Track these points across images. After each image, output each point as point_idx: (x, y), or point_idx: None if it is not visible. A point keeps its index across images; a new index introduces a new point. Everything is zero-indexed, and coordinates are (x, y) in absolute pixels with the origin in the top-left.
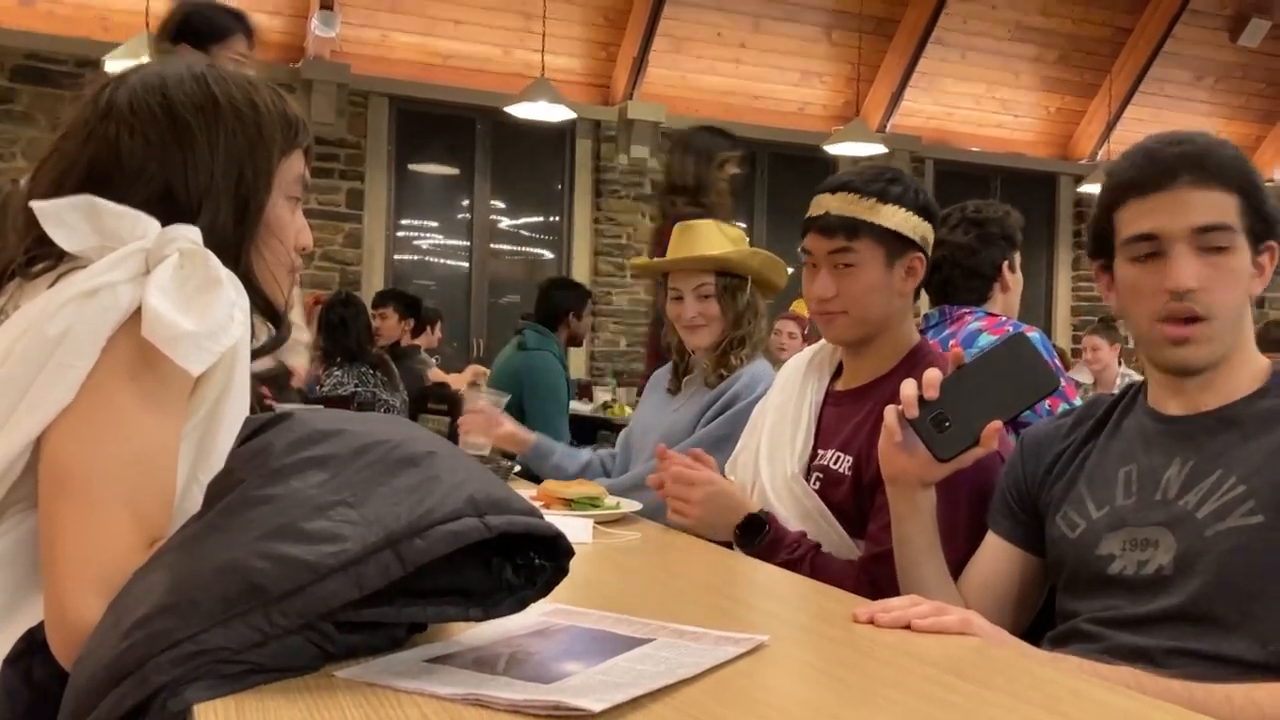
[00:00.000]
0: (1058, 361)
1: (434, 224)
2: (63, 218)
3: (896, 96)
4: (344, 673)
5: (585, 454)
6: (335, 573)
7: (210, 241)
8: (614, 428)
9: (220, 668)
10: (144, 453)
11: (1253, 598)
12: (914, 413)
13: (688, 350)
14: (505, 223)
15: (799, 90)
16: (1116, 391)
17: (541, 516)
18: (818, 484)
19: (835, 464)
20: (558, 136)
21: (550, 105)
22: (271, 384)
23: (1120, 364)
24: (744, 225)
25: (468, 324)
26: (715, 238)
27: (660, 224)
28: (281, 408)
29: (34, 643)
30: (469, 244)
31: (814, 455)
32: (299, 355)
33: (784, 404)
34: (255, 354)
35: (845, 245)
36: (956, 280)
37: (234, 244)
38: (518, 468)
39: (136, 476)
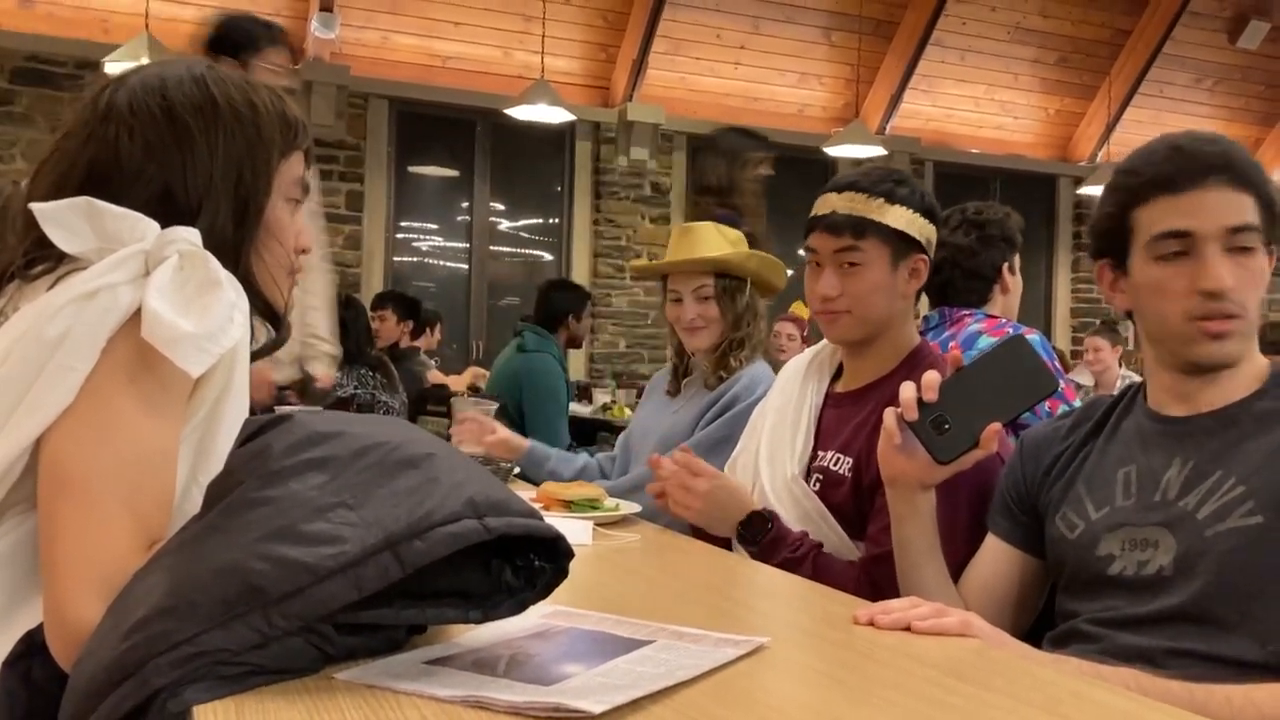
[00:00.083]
0: (1057, 363)
1: (433, 226)
2: (62, 219)
3: (896, 98)
4: (343, 674)
5: (581, 458)
6: (335, 574)
7: (210, 243)
8: (613, 430)
9: (220, 669)
10: (143, 454)
11: (1252, 598)
12: (913, 415)
13: (687, 352)
14: (505, 224)
15: (798, 92)
16: (1116, 393)
17: (541, 518)
18: (817, 485)
19: (835, 465)
20: (557, 138)
21: (550, 107)
22: (301, 394)
23: (1120, 366)
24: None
25: (467, 326)
26: (714, 240)
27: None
28: (281, 410)
29: (33, 645)
30: (468, 246)
31: (814, 457)
32: (325, 365)
33: (784, 406)
34: (254, 355)
35: (852, 244)
36: (956, 282)
37: (233, 246)
38: (517, 469)
39: (136, 478)
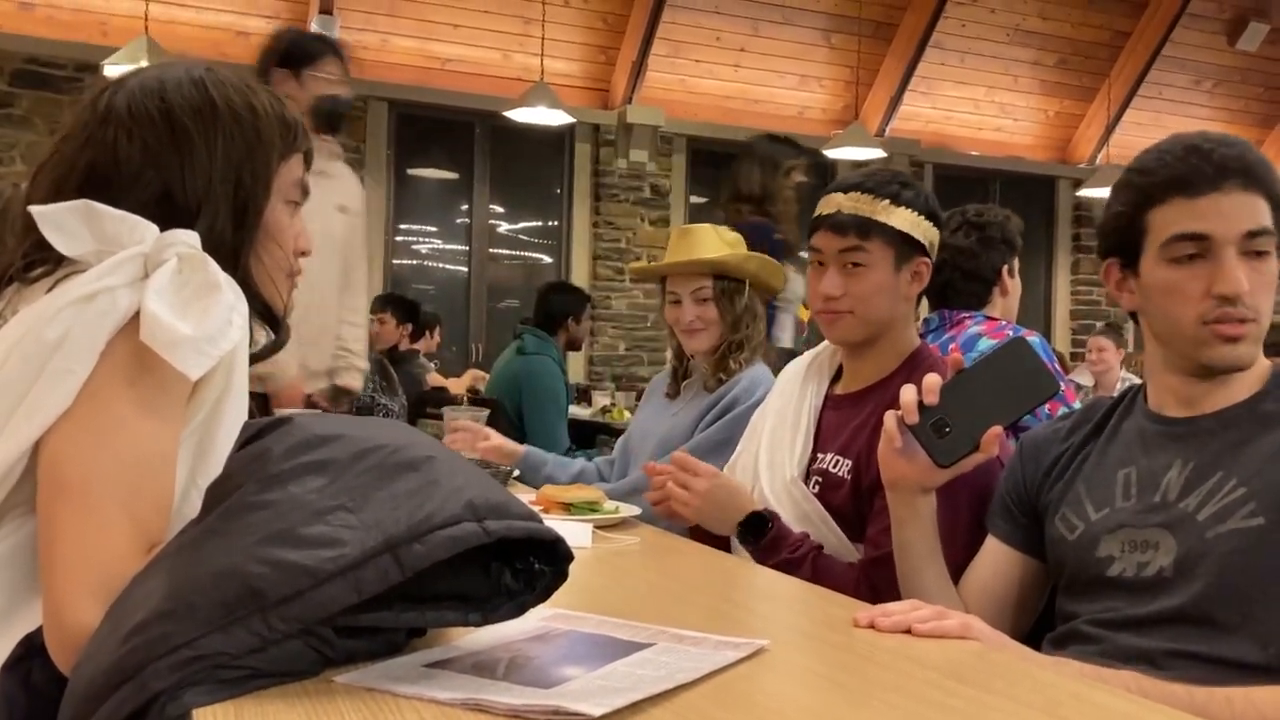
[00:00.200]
0: (1057, 365)
1: (433, 228)
2: (61, 222)
3: (895, 100)
4: (343, 678)
5: (578, 463)
6: (334, 578)
7: (209, 246)
8: (613, 432)
9: (219, 673)
10: (142, 457)
11: (1253, 600)
12: (914, 418)
13: (687, 355)
14: (504, 227)
15: (798, 94)
16: (1116, 395)
17: (541, 521)
18: (817, 488)
19: (834, 468)
20: (557, 140)
21: (549, 109)
22: (331, 402)
23: (1120, 369)
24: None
25: (466, 328)
26: (713, 242)
27: None
28: (281, 412)
29: (32, 648)
30: (468, 248)
31: (813, 459)
32: (355, 378)
33: (783, 408)
34: (253, 358)
35: (857, 244)
36: (956, 284)
37: (232, 248)
38: (517, 472)
39: (135, 481)
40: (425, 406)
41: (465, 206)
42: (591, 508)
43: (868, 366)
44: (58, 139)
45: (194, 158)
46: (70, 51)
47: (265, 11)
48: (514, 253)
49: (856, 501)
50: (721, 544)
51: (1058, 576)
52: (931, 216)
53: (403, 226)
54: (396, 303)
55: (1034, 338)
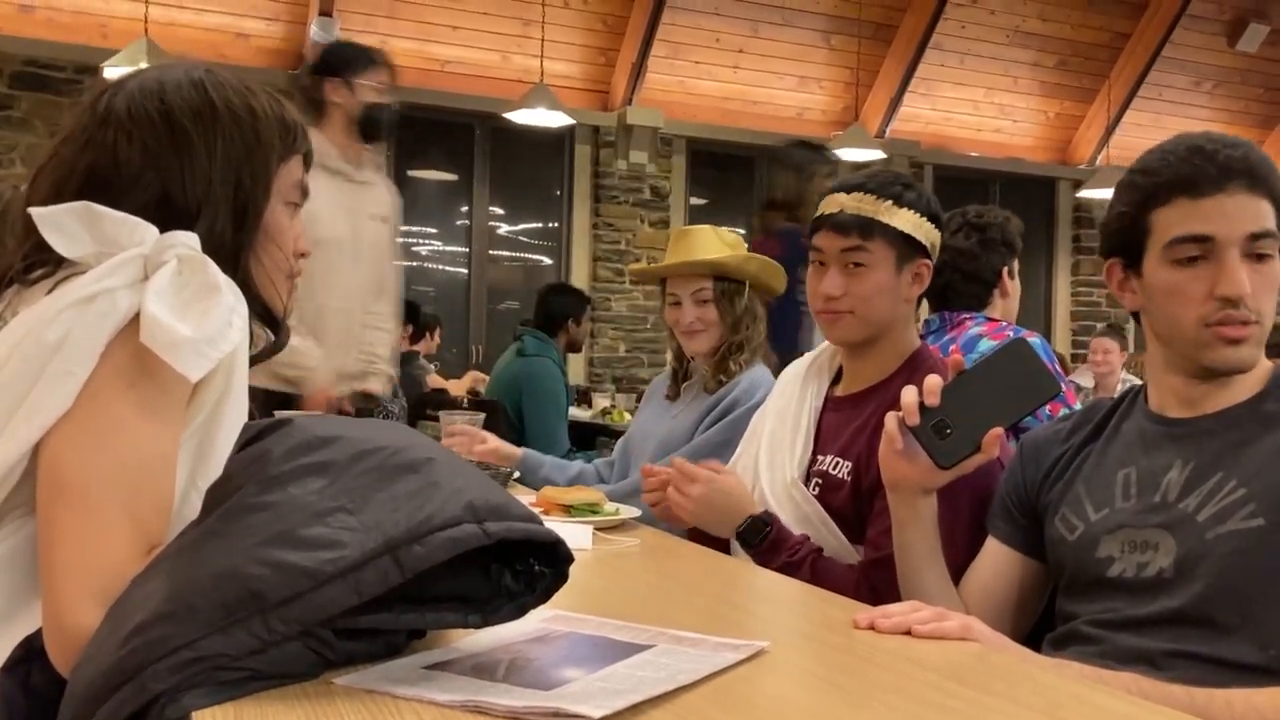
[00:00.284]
0: (1058, 366)
1: (432, 230)
2: (61, 224)
3: (895, 102)
4: (343, 679)
5: (576, 465)
6: (334, 579)
7: (208, 247)
8: (613, 434)
9: (219, 675)
10: (142, 459)
11: (1253, 601)
12: (915, 420)
13: (687, 356)
14: (504, 229)
15: (797, 95)
16: (1116, 396)
17: (541, 523)
18: (817, 489)
19: (835, 469)
20: (556, 142)
21: (549, 111)
22: (364, 405)
23: (1121, 369)
24: (742, 232)
25: (466, 330)
26: (712, 243)
27: (760, 237)
28: (281, 415)
29: (32, 650)
30: (468, 250)
31: (813, 460)
32: (381, 384)
33: (783, 409)
34: (254, 360)
35: (859, 244)
36: (957, 285)
37: (232, 250)
38: (517, 474)
39: (135, 483)
40: (425, 408)
41: (465, 208)
42: (592, 509)
43: (868, 368)
44: (57, 141)
45: (194, 159)
46: (70, 53)
47: (264, 14)
48: (514, 254)
49: (857, 503)
50: (721, 545)
51: (1058, 577)
52: (933, 218)
53: (402, 228)
54: None
55: (1035, 339)
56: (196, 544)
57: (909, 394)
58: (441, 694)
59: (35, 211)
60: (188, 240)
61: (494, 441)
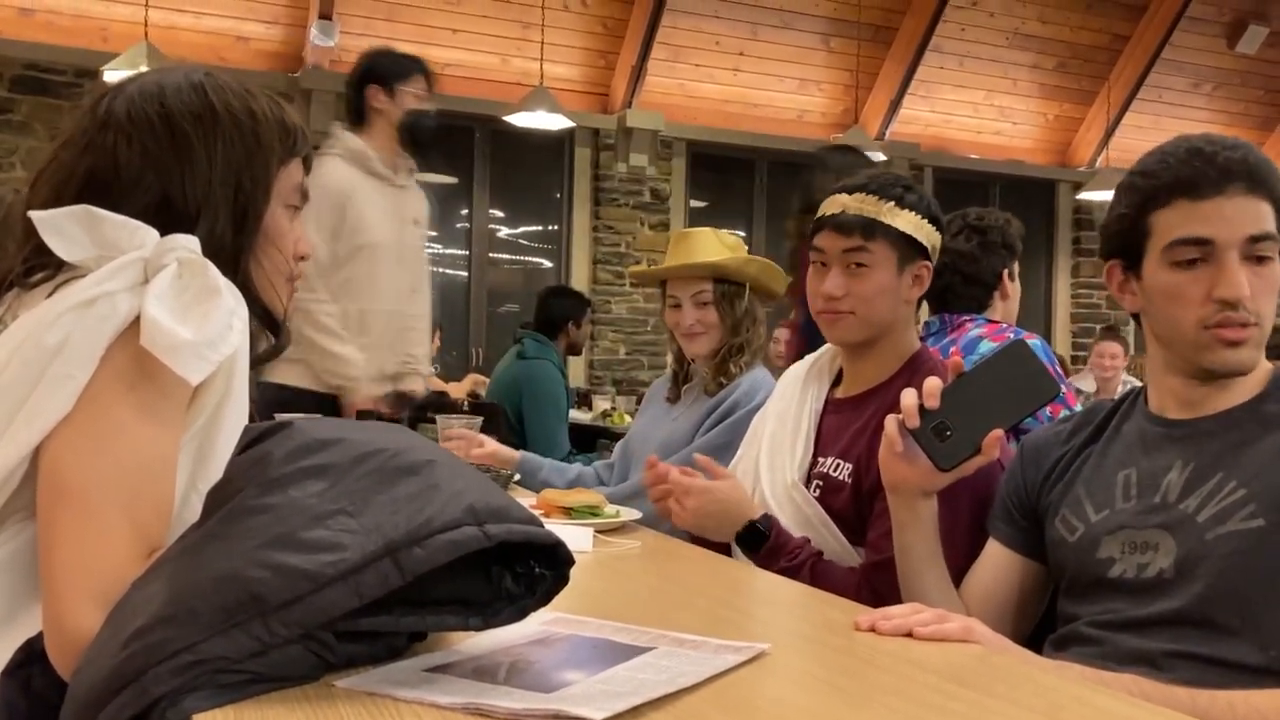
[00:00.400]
0: (1058, 368)
1: (432, 233)
2: (61, 227)
3: (895, 104)
4: (344, 682)
5: (575, 468)
6: (334, 582)
7: (209, 250)
8: (613, 436)
9: (219, 677)
10: (142, 462)
11: (1253, 602)
12: (915, 422)
13: (687, 359)
14: (504, 231)
15: (797, 98)
16: (1117, 398)
17: (541, 525)
18: (818, 491)
19: (835, 471)
20: (556, 145)
21: (549, 114)
22: (393, 405)
23: (1122, 371)
24: (742, 234)
25: (466, 333)
26: (713, 245)
27: (796, 244)
28: (281, 417)
29: (33, 653)
30: (468, 253)
31: (814, 463)
32: (417, 383)
33: (784, 412)
34: (254, 362)
35: (861, 244)
36: (957, 287)
37: (232, 253)
38: (517, 476)
39: (135, 486)
40: (425, 411)
41: (465, 211)
42: (592, 511)
43: (868, 370)
44: (57, 145)
45: (194, 163)
46: (70, 57)
47: (264, 17)
48: (514, 257)
49: (857, 505)
50: (723, 547)
51: (1059, 579)
52: (933, 220)
53: None
54: None
55: (1034, 340)
56: (197, 547)
57: (909, 396)
58: (442, 696)
59: (35, 215)
60: (188, 243)
61: (491, 445)
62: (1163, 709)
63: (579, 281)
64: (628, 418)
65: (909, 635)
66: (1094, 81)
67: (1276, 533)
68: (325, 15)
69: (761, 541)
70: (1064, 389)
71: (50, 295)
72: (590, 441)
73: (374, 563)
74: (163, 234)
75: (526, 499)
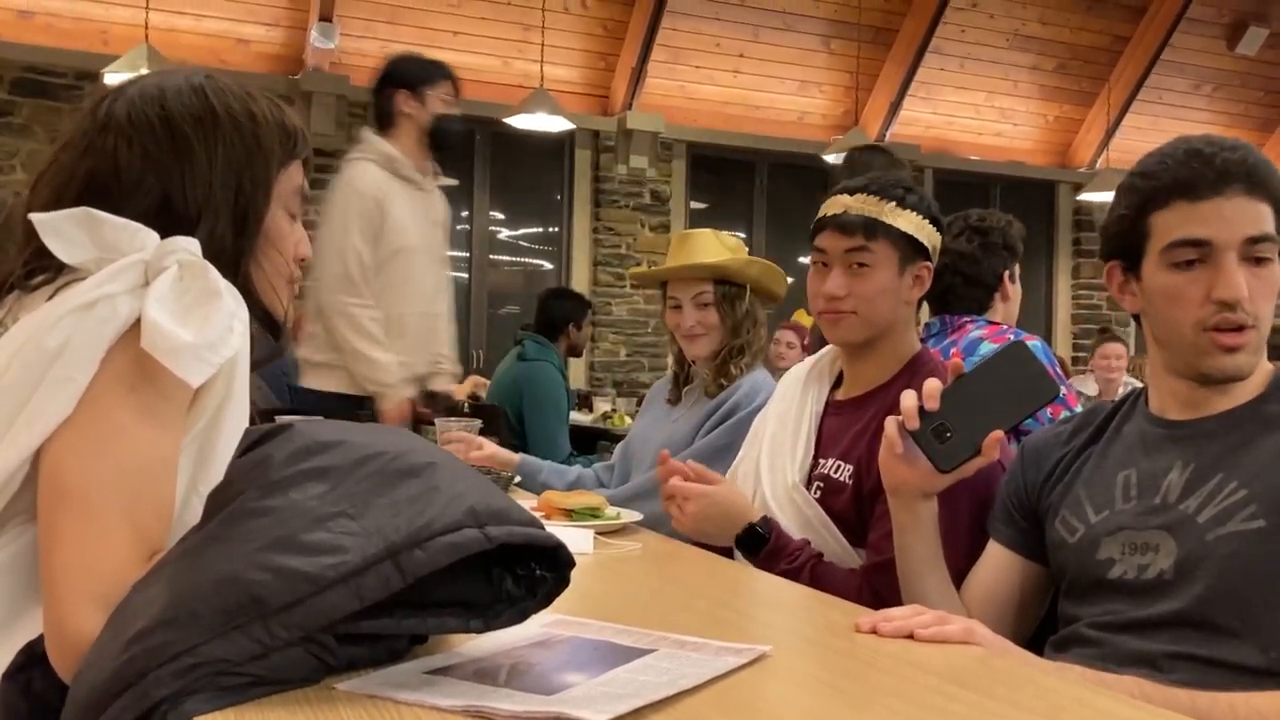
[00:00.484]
0: (1058, 369)
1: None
2: (61, 230)
3: (895, 106)
4: (344, 685)
5: (574, 471)
6: (335, 584)
7: (209, 253)
8: (614, 438)
9: (220, 680)
10: (143, 464)
11: (1254, 603)
12: (914, 424)
13: (688, 360)
14: (504, 233)
15: (798, 100)
16: (1118, 399)
17: (542, 527)
18: (819, 493)
19: (836, 473)
20: (556, 147)
21: (549, 116)
22: (431, 404)
23: (1123, 373)
24: (742, 236)
25: (467, 335)
26: (713, 246)
27: None
28: (282, 420)
29: (34, 656)
30: (468, 255)
31: (815, 464)
32: (449, 381)
33: (784, 413)
34: (254, 365)
35: (863, 244)
36: (958, 288)
37: (233, 255)
38: (518, 478)
39: (136, 488)
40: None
41: (465, 213)
42: (593, 513)
43: (868, 371)
44: (58, 147)
45: (194, 165)
46: (70, 60)
47: (264, 19)
48: (514, 259)
49: (858, 507)
50: (724, 549)
51: (1059, 580)
52: (934, 221)
53: None
54: None
55: (1035, 341)
56: (198, 549)
57: (908, 398)
58: (443, 699)
59: (36, 218)
60: (188, 246)
61: (490, 448)
62: (1164, 711)
63: (579, 283)
64: (628, 419)
65: (910, 637)
66: (1094, 83)
67: (1277, 534)
68: (325, 17)
69: (761, 544)
70: (1064, 390)
71: (51, 298)
72: (591, 443)
73: (375, 565)
74: (163, 236)
75: (527, 501)
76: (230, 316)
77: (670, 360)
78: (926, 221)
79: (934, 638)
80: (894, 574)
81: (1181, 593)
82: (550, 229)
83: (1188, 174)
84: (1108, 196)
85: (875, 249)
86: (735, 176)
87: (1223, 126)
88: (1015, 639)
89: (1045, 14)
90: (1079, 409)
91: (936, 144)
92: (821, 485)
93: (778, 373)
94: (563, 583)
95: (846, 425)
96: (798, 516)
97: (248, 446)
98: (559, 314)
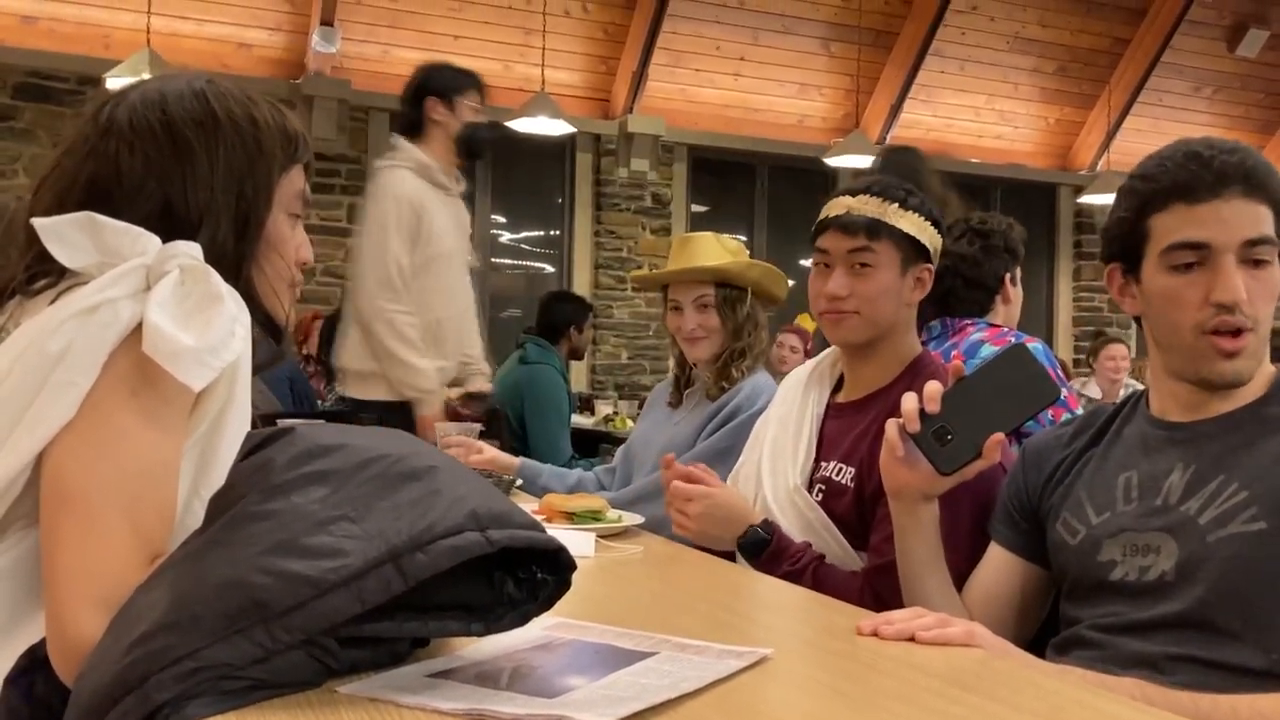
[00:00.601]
0: (1059, 371)
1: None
2: (63, 234)
3: (896, 108)
4: (346, 688)
5: (575, 474)
6: (337, 588)
7: (211, 257)
8: (615, 441)
9: (222, 684)
10: (145, 469)
11: (1255, 605)
12: (915, 427)
13: (689, 363)
14: (506, 237)
15: (798, 103)
16: (1118, 401)
17: (543, 530)
18: (820, 496)
19: (837, 476)
20: (558, 150)
21: (550, 119)
22: (466, 406)
23: (1124, 374)
24: (743, 238)
25: None
26: (714, 249)
27: None
28: (284, 422)
29: (36, 660)
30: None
31: (816, 467)
32: (483, 383)
33: (785, 416)
34: (255, 369)
35: (866, 245)
36: (959, 291)
37: (234, 259)
38: (519, 481)
39: (137, 491)
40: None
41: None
42: (594, 516)
43: (869, 373)
44: (59, 152)
45: (195, 169)
46: (72, 64)
47: (266, 24)
48: (516, 262)
49: (860, 509)
50: (726, 552)
51: (1061, 582)
52: (935, 223)
53: None
54: None
55: (1035, 344)
56: (199, 553)
57: (909, 401)
58: (445, 702)
59: (38, 222)
60: (190, 250)
61: (490, 452)
62: (1165, 713)
63: (581, 286)
64: (629, 422)
65: (911, 640)
66: (1095, 85)
67: (1278, 535)
68: (327, 22)
69: (763, 547)
70: (1064, 392)
71: (53, 302)
72: (592, 446)
73: (376, 568)
74: (165, 241)
75: (529, 504)
76: (232, 321)
77: (671, 363)
78: (928, 223)
79: (935, 640)
80: (895, 576)
81: (1183, 594)
82: (551, 232)
83: (1186, 176)
84: (1108, 199)
85: (878, 249)
86: (736, 179)
87: (1223, 129)
88: (1016, 641)
89: (1045, 16)
90: (1079, 411)
91: (937, 147)
92: (823, 488)
93: (781, 376)
94: (564, 586)
95: (847, 428)
96: (799, 519)
97: (249, 450)
98: (560, 317)
